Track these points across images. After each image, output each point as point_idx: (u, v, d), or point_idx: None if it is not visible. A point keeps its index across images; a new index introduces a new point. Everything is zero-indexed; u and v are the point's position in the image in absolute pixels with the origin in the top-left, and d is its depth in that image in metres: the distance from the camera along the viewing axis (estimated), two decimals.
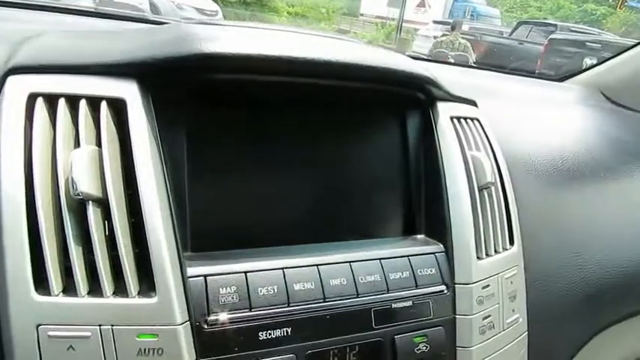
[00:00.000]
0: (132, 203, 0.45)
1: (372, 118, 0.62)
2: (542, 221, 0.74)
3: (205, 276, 0.45)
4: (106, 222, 0.44)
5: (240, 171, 0.53)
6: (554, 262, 0.72)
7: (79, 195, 0.41)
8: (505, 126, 0.81)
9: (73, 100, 0.46)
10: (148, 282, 0.43)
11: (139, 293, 0.42)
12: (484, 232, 0.60)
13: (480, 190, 0.61)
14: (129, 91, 0.47)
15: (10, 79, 0.46)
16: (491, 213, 0.62)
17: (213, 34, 0.50)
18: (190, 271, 0.45)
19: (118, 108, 0.47)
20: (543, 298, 0.67)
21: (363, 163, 0.61)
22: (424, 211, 0.62)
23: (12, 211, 0.41)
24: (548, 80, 1.37)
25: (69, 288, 0.41)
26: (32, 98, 0.45)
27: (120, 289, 0.42)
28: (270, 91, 0.54)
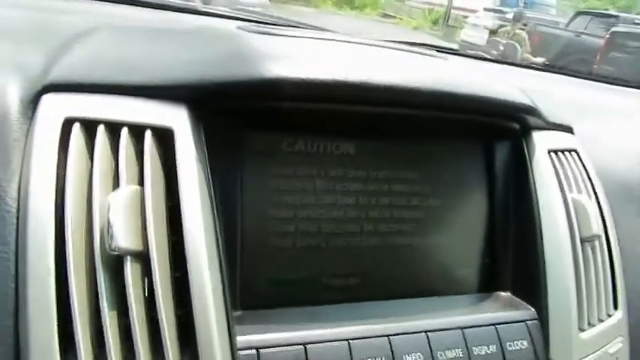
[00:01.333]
0: (176, 253, 0.37)
1: (450, 150, 0.53)
2: None
3: (258, 348, 0.38)
4: (146, 278, 0.37)
5: (302, 212, 0.45)
6: None
7: (115, 251, 0.34)
8: (590, 146, 0.69)
9: (113, 128, 0.39)
10: (190, 353, 0.36)
11: None
12: (587, 295, 0.49)
13: (583, 242, 0.51)
14: (177, 118, 0.39)
15: (45, 97, 0.39)
16: (595, 271, 0.51)
17: (277, 52, 0.41)
18: (241, 340, 0.38)
19: (164, 138, 0.39)
20: None
21: (439, 203, 0.51)
22: (512, 263, 0.52)
23: (39, 264, 0.34)
24: (624, 87, 1.22)
25: (101, 357, 0.35)
26: (68, 124, 0.38)
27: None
28: (343, 119, 0.45)
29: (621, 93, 1.16)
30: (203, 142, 0.40)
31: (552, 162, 0.54)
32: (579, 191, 0.54)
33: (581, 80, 1.26)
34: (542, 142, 0.54)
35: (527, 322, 0.47)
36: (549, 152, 0.54)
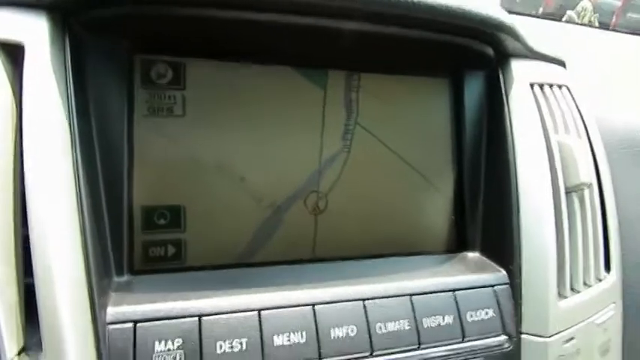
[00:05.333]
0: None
1: (409, 83, 0.43)
2: None
3: (135, 322, 0.30)
4: None
5: (213, 154, 0.37)
6: None
7: None
8: (593, 92, 0.60)
9: None
10: (35, 331, 0.28)
11: (23, 350, 0.27)
12: (571, 256, 0.41)
13: (569, 192, 0.42)
14: (32, 30, 0.30)
15: None
16: (582, 227, 0.42)
17: None
18: (113, 312, 0.30)
19: (18, 56, 0.31)
20: None
21: (395, 148, 0.42)
22: (481, 219, 0.43)
23: None
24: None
25: None
26: None
27: None
28: (262, 35, 0.36)
29: (628, 40, 1.05)
30: (67, 64, 0.31)
31: (535, 97, 0.44)
32: (567, 132, 0.45)
33: (587, 28, 1.15)
34: (522, 72, 0.44)
35: (495, 287, 0.39)
36: (532, 85, 0.44)
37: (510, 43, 0.42)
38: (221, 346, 0.30)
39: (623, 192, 0.50)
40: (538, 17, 1.04)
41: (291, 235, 0.39)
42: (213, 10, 0.33)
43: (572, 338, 0.39)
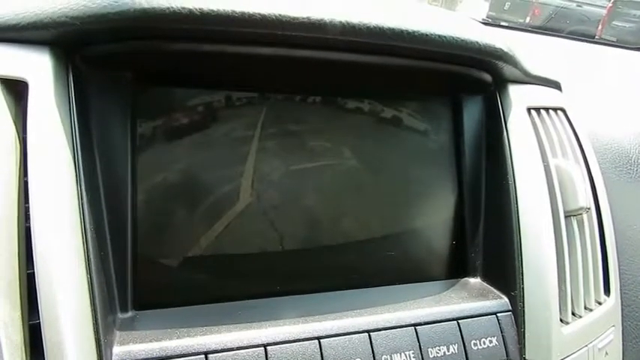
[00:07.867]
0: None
1: (408, 110, 0.43)
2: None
3: None
4: None
5: (217, 187, 0.36)
6: None
7: None
8: (583, 107, 0.60)
9: None
10: None
11: None
12: (571, 281, 0.41)
13: (568, 217, 0.42)
14: (35, 66, 0.30)
15: None
16: (582, 251, 0.43)
17: None
18: (118, 352, 0.29)
19: (21, 92, 0.30)
20: None
21: (395, 174, 0.42)
22: (482, 245, 0.44)
23: None
24: (626, 49, 1.14)
25: None
26: None
27: None
28: (263, 68, 0.36)
29: (620, 55, 1.07)
30: (70, 99, 0.31)
31: (532, 121, 0.44)
32: (565, 156, 0.45)
33: (577, 42, 1.16)
34: (520, 97, 0.45)
35: (498, 314, 0.39)
36: (529, 110, 0.45)
37: (508, 70, 0.43)
38: None
39: (620, 211, 0.50)
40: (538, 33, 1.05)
41: (295, 265, 0.38)
42: (208, 45, 0.33)
43: None
